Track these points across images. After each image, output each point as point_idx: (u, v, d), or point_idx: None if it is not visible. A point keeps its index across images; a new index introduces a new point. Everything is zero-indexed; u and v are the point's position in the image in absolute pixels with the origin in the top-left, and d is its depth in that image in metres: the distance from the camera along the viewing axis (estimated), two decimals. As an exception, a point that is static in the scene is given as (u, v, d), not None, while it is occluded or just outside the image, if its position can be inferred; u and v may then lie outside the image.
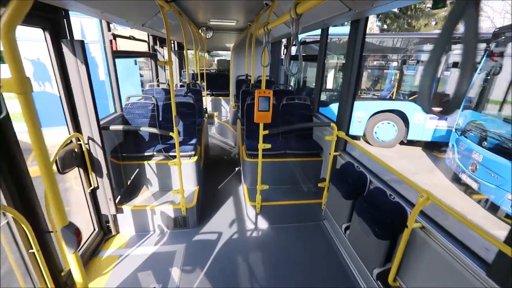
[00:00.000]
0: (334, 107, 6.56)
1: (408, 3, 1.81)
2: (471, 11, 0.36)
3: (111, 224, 2.67)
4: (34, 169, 1.24)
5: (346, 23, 7.29)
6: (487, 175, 3.97)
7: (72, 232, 0.92)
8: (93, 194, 2.47)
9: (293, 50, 6.76)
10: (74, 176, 2.54)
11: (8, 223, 1.48)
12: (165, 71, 5.79)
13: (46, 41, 1.90)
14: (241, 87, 4.63)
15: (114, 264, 2.35)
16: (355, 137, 7.12)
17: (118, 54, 3.48)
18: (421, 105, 0.45)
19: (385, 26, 16.81)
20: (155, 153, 2.98)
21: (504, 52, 4.43)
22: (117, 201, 2.70)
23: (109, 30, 3.12)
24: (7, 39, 0.71)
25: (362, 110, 6.58)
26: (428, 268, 1.54)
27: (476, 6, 0.36)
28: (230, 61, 7.13)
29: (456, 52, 5.87)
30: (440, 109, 0.43)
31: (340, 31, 7.17)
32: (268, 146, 2.67)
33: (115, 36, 3.37)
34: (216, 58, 12.33)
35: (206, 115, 4.95)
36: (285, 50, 6.44)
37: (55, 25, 1.90)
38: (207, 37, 5.16)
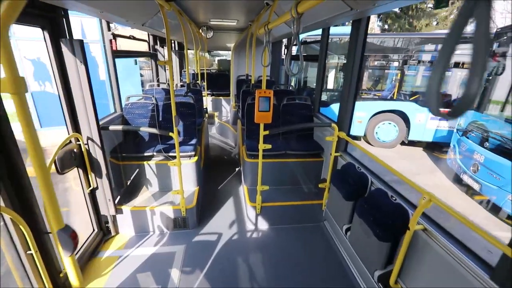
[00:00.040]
0: (335, 107, 6.55)
1: (409, 3, 1.80)
2: (482, 9, 0.34)
3: (110, 225, 2.66)
4: (32, 169, 1.23)
5: (347, 23, 7.28)
6: (489, 176, 3.94)
7: (68, 235, 0.90)
8: (93, 194, 2.46)
9: (294, 50, 6.74)
10: (73, 176, 2.53)
11: (5, 224, 1.47)
12: (165, 71, 5.78)
13: (45, 41, 1.89)
14: (241, 87, 4.61)
15: (113, 265, 2.34)
16: (355, 137, 7.10)
17: (118, 53, 3.47)
18: (429, 107, 0.43)
19: (386, 26, 16.77)
20: (155, 154, 2.97)
21: (506, 52, 4.41)
22: (116, 201, 2.69)
23: (109, 29, 3.11)
24: (1, 38, 0.69)
25: (363, 110, 6.55)
26: (430, 271, 1.52)
27: (487, 4, 0.34)
28: (231, 61, 7.12)
29: (457, 52, 5.83)
30: (449, 110, 0.41)
31: (341, 31, 7.15)
32: (269, 146, 2.66)
33: (115, 36, 3.36)
34: (216, 58, 12.31)
35: (207, 115, 4.94)
36: (285, 50, 6.42)
37: (54, 24, 1.88)
38: (208, 36, 5.14)
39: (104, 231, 2.67)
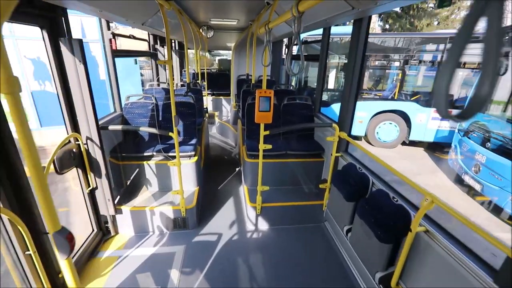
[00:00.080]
0: (336, 107, 6.52)
1: (411, 2, 1.78)
2: (494, 7, 0.33)
3: (110, 225, 2.65)
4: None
5: (348, 22, 7.25)
6: (490, 176, 3.92)
7: (64, 238, 0.88)
8: (92, 194, 2.45)
9: (295, 49, 6.72)
10: (72, 176, 2.52)
11: (4, 224, 1.46)
12: (165, 70, 5.77)
13: (44, 40, 1.88)
14: (242, 86, 4.60)
15: (113, 265, 2.33)
16: (356, 137, 7.08)
17: (118, 53, 3.46)
18: (437, 108, 0.41)
19: (387, 26, 16.72)
20: (154, 153, 2.95)
21: (509, 52, 4.38)
22: (116, 201, 2.68)
23: (109, 29, 3.10)
24: None
25: (363, 110, 6.53)
26: (432, 273, 1.50)
27: (500, 2, 0.32)
28: (231, 60, 7.10)
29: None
30: (459, 113, 0.39)
31: (342, 31, 7.12)
32: (269, 146, 2.64)
33: (114, 35, 3.35)
34: (217, 58, 12.29)
35: (207, 114, 4.92)
36: (286, 49, 6.41)
37: (53, 23, 1.87)
38: (208, 36, 5.13)
39: (104, 231, 2.66)
